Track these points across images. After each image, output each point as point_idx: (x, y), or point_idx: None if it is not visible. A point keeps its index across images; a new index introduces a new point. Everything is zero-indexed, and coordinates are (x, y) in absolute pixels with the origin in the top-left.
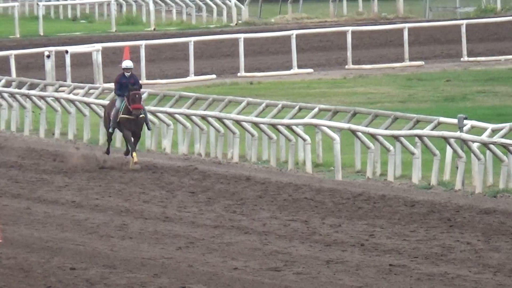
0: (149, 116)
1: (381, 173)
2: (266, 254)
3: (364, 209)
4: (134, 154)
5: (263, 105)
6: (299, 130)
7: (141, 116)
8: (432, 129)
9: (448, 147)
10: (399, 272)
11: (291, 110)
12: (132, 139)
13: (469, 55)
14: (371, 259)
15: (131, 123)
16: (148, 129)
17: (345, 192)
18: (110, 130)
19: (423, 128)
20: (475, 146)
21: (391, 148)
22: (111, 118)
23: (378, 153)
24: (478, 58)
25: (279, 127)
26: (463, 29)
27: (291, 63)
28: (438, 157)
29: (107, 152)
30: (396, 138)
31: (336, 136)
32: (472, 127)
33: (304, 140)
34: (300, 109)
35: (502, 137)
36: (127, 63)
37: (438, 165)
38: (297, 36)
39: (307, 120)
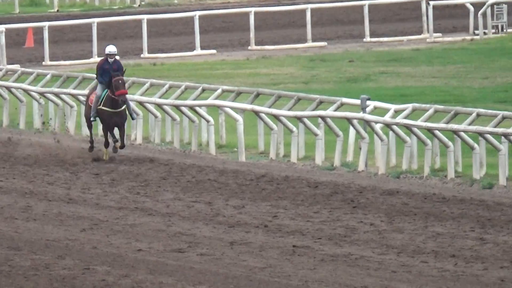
0: (53, 98)
1: (285, 154)
2: (170, 236)
3: (267, 190)
4: (117, 143)
5: (166, 86)
6: (202, 111)
7: (122, 108)
8: (335, 110)
9: (351, 128)
10: (303, 253)
11: (194, 91)
12: (118, 131)
13: (371, 35)
14: (275, 240)
15: (112, 116)
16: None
17: (248, 173)
18: (92, 119)
19: (326, 109)
20: (378, 127)
21: (294, 129)
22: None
23: (281, 134)
24: (381, 39)
25: (183, 108)
26: (366, 10)
27: (194, 44)
28: (341, 138)
29: (91, 147)
30: (299, 119)
31: (239, 117)
32: (375, 108)
33: (208, 121)
34: (203, 90)
35: (405, 118)
36: (110, 49)
37: (341, 146)
38: (200, 17)
39: (210, 101)
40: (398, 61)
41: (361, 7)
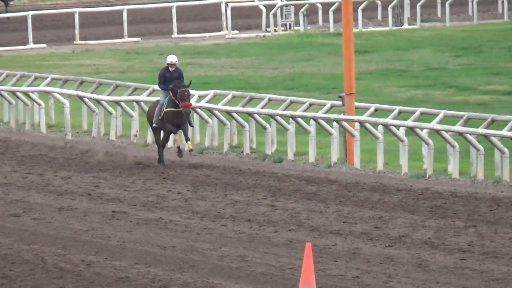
0: None
1: (105, 133)
2: (7, 202)
3: (90, 163)
4: (188, 142)
5: (4, 75)
6: (35, 96)
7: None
8: (148, 95)
9: None
10: (121, 217)
11: (27, 79)
12: (181, 131)
13: (179, 32)
14: (97, 206)
15: (175, 116)
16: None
17: (74, 149)
18: (154, 125)
19: (140, 95)
20: None
21: (113, 111)
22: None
23: (102, 116)
24: (187, 35)
25: (18, 94)
26: (174, 10)
27: (28, 39)
28: None
29: (160, 160)
30: (117, 103)
31: (66, 101)
32: None
33: (39, 104)
34: (35, 78)
35: (207, 102)
36: (172, 58)
37: None
38: (32, 16)
39: (41, 87)
40: (201, 54)
41: (170, 8)
